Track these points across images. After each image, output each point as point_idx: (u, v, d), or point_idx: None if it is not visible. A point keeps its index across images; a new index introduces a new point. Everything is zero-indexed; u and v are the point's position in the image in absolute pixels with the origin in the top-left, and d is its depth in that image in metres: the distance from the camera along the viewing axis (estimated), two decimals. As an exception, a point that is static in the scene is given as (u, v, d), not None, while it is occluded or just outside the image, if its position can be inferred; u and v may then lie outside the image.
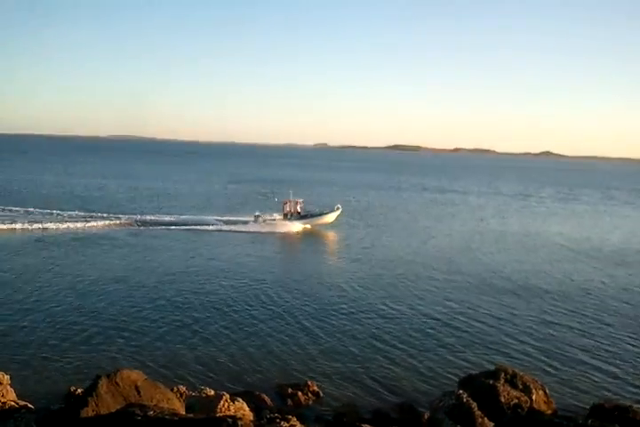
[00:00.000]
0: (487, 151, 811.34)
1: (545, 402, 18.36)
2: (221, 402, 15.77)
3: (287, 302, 30.23)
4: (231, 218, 59.72)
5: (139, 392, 13.07)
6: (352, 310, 29.16)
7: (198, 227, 55.17)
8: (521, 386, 18.38)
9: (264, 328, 25.84)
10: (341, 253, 45.60)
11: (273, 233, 54.25)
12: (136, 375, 13.50)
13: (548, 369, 22.34)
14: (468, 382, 18.66)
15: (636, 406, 17.88)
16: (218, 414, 14.83)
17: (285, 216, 58.42)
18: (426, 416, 16.65)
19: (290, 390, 19.03)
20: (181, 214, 62.19)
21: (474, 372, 19.93)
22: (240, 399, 16.29)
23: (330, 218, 59.35)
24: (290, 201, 59.54)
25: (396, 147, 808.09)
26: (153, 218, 59.44)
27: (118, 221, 56.46)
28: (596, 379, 21.59)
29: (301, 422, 15.32)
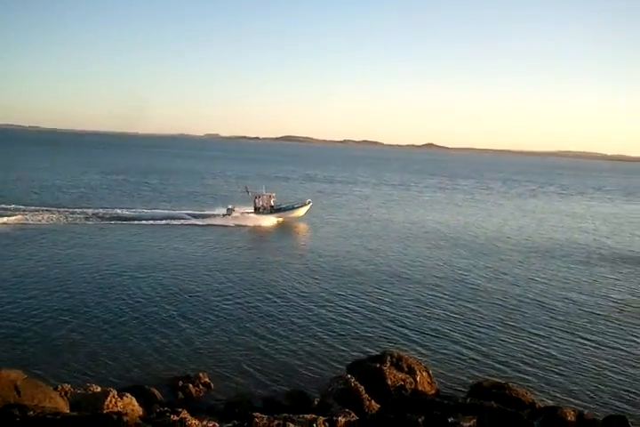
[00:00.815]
0: (374, 143, 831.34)
1: (429, 383, 19.25)
2: (108, 398, 15.35)
3: (182, 294, 29.75)
4: (203, 212, 58.99)
5: (18, 392, 12.49)
6: (241, 301, 29.12)
7: (172, 222, 53.88)
8: (406, 368, 19.16)
9: (153, 322, 25.30)
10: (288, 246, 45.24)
11: (246, 226, 54.22)
12: (15, 375, 12.89)
13: (431, 351, 23.31)
14: (356, 367, 19.22)
15: (510, 382, 19.17)
16: (105, 411, 14.45)
17: (257, 210, 58.40)
18: (316, 402, 17.02)
19: (181, 383, 18.81)
20: (149, 209, 60.42)
21: (362, 357, 20.53)
22: (129, 395, 15.92)
23: (301, 212, 60.17)
24: (262, 195, 59.76)
25: (287, 138, 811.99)
26: (118, 212, 57.27)
27: (82, 216, 53.77)
28: (476, 360, 22.74)
29: (192, 415, 15.23)
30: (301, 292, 31.41)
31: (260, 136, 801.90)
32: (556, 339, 25.36)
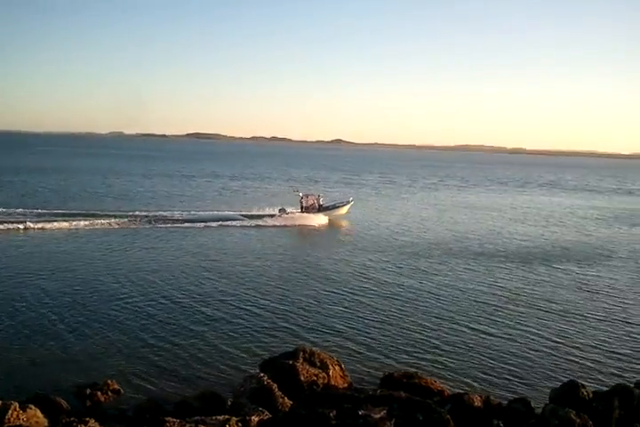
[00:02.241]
0: (284, 139, 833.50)
1: (341, 377, 19.44)
2: (10, 412, 14.61)
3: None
4: (256, 213, 59.77)
5: None
6: (134, 303, 28.50)
7: (228, 223, 54.85)
8: (319, 364, 19.26)
9: (56, 328, 24.31)
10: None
11: (302, 226, 55.84)
12: None
13: (343, 346, 23.58)
14: (268, 365, 19.15)
15: (420, 372, 19.71)
16: (6, 426, 13.80)
17: (304, 209, 59.87)
18: (229, 402, 16.85)
19: (88, 391, 18.08)
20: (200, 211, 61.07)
21: (275, 354, 20.50)
22: (32, 406, 15.22)
23: (344, 210, 62.21)
24: (310, 195, 62.47)
25: (195, 135, 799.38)
26: (173, 215, 57.85)
27: (134, 219, 53.96)
28: (387, 351, 23.19)
29: (101, 423, 14.76)
30: (206, 294, 31.04)
31: (168, 133, 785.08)
32: (459, 329, 26.16)
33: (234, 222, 55.28)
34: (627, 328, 27.06)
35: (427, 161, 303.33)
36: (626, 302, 31.66)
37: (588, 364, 22.60)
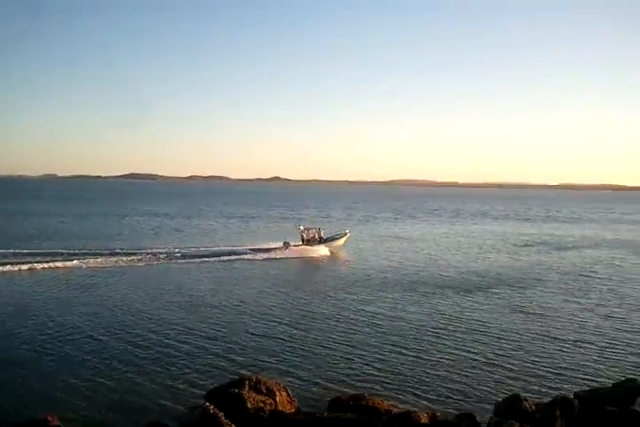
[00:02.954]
0: (221, 178, 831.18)
1: (289, 402, 19.28)
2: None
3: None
4: (262, 246, 61.92)
5: None
6: (82, 336, 27.80)
7: (236, 257, 56.47)
8: (265, 391, 19.06)
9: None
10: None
11: (307, 258, 58.43)
12: None
13: (289, 372, 23.50)
14: (214, 394, 18.82)
15: (367, 393, 19.75)
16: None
17: (306, 242, 62.84)
18: (174, 433, 16.46)
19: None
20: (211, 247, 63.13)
21: (220, 384, 20.19)
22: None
23: (342, 241, 66.00)
24: (310, 228, 66.13)
25: (132, 175, 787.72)
26: (183, 251, 58.67)
27: (148, 257, 54.58)
28: (334, 375, 23.22)
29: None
30: (149, 322, 30.49)
31: (103, 175, 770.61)
32: (402, 353, 26.41)
33: (245, 256, 57.40)
34: (560, 344, 27.92)
35: (360, 196, 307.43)
36: (557, 321, 32.66)
37: (529, 378, 23.17)
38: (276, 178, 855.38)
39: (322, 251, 61.33)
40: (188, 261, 53.95)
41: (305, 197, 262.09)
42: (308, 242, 63.07)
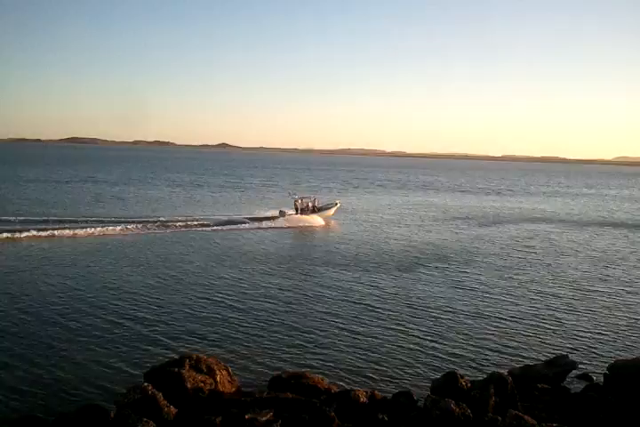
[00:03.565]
0: (167, 144, 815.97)
1: (229, 381, 19.21)
2: None
3: None
4: (258, 215, 63.44)
5: None
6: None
7: (233, 226, 57.55)
8: (205, 369, 18.93)
9: None
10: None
11: (303, 227, 60.06)
12: None
13: (231, 350, 23.39)
14: (153, 374, 18.57)
15: (307, 371, 19.88)
16: None
17: (300, 211, 63.75)
18: (112, 414, 16.21)
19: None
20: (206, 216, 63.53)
21: (159, 363, 19.95)
22: None
23: (332, 211, 67.53)
24: (304, 197, 67.25)
25: (73, 139, 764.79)
26: (179, 220, 59.11)
27: (146, 225, 55.33)
28: (275, 354, 23.22)
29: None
30: (89, 299, 29.85)
31: (43, 138, 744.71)
32: (341, 330, 26.58)
33: (242, 225, 58.53)
34: (496, 321, 28.53)
35: (310, 164, 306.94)
36: (492, 297, 33.28)
37: (465, 356, 23.69)
38: (224, 145, 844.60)
39: (318, 220, 62.76)
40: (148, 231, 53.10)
41: (252, 165, 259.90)
42: (302, 211, 63.92)
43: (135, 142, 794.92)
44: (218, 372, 19.06)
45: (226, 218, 61.91)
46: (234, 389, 18.99)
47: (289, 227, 59.60)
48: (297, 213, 63.50)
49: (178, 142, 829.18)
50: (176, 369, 18.55)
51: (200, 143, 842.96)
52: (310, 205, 65.46)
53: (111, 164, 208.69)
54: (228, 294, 31.98)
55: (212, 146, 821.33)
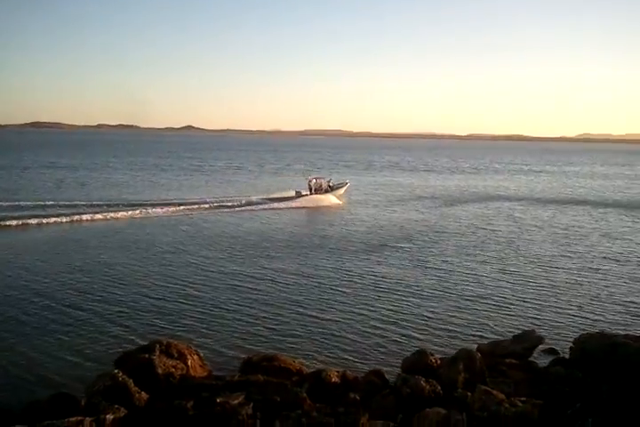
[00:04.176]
0: (131, 127, 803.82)
1: (201, 366, 19.16)
2: None
3: None
4: (274, 196, 66.25)
5: None
6: None
7: (252, 207, 59.98)
8: (176, 355, 18.83)
9: None
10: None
11: (321, 207, 62.32)
12: None
13: (201, 334, 23.32)
14: (124, 361, 18.43)
15: (279, 353, 19.93)
16: None
17: (314, 191, 66.26)
18: (83, 402, 16.07)
19: None
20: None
21: (130, 349, 19.79)
22: None
23: (342, 191, 70.29)
24: (318, 178, 70.56)
25: (35, 124, 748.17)
26: (196, 202, 60.90)
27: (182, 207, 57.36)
28: (246, 336, 23.23)
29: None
30: (61, 283, 29.50)
31: (3, 123, 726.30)
32: (311, 311, 26.58)
33: (260, 206, 60.81)
34: (463, 299, 28.87)
35: (276, 146, 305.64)
36: (459, 275, 33.66)
37: (435, 334, 23.98)
38: (189, 127, 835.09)
39: (332, 200, 65.42)
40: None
41: (218, 147, 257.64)
42: (316, 191, 66.56)
43: (99, 126, 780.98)
44: (189, 357, 18.99)
45: (244, 200, 63.75)
46: (205, 373, 18.95)
47: (305, 207, 61.73)
48: (311, 193, 65.87)
49: (142, 125, 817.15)
50: (146, 355, 18.41)
51: (164, 126, 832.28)
52: (324, 184, 68.27)
53: (97, 148, 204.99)
54: (195, 280, 31.67)
55: (177, 129, 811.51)
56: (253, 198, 64.77)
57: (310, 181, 67.77)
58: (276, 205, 61.51)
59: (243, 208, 59.23)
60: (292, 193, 66.16)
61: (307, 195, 65.34)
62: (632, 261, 38.05)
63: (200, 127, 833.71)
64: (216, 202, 61.74)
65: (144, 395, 16.18)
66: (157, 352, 18.68)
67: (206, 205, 59.54)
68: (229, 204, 61.16)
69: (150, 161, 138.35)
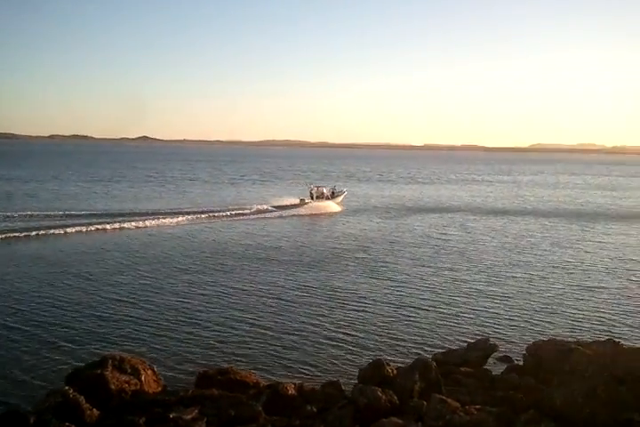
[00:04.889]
0: (85, 137, 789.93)
1: (154, 381, 18.80)
2: None
3: None
4: (281, 204, 70.04)
5: None
6: None
7: (266, 215, 63.80)
8: (130, 370, 18.45)
9: None
10: None
11: (324, 213, 66.51)
12: None
13: (155, 349, 22.96)
14: (75, 377, 17.97)
15: (235, 366, 19.70)
16: None
17: (316, 198, 70.81)
18: (32, 420, 15.60)
19: None
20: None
21: (81, 365, 19.32)
22: None
23: (340, 198, 74.89)
24: (319, 187, 74.61)
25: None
26: (207, 211, 63.62)
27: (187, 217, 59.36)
28: (201, 351, 22.94)
29: None
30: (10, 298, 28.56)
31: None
32: (264, 324, 26.42)
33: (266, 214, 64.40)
34: (417, 310, 28.89)
35: (233, 156, 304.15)
36: (413, 286, 33.75)
37: (390, 343, 24.14)
38: (144, 137, 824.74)
39: (333, 206, 69.86)
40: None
41: (173, 158, 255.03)
42: (318, 198, 70.95)
43: (52, 137, 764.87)
44: (143, 372, 18.61)
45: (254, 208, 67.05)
46: (159, 388, 18.62)
47: (310, 214, 65.36)
48: (312, 200, 70.28)
49: (96, 136, 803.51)
50: (98, 371, 18.00)
51: (120, 136, 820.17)
52: (326, 192, 72.76)
53: (51, 160, 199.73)
54: (152, 294, 31.21)
55: (133, 139, 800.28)
56: (264, 206, 68.26)
57: (312, 190, 72.28)
58: (284, 212, 65.35)
59: (252, 216, 62.82)
60: (297, 201, 70.73)
61: (309, 202, 69.54)
62: (580, 270, 38.94)
63: (155, 137, 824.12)
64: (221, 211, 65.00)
65: (95, 412, 15.81)
66: (110, 368, 18.25)
67: (212, 214, 62.46)
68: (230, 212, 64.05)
69: (102, 174, 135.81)
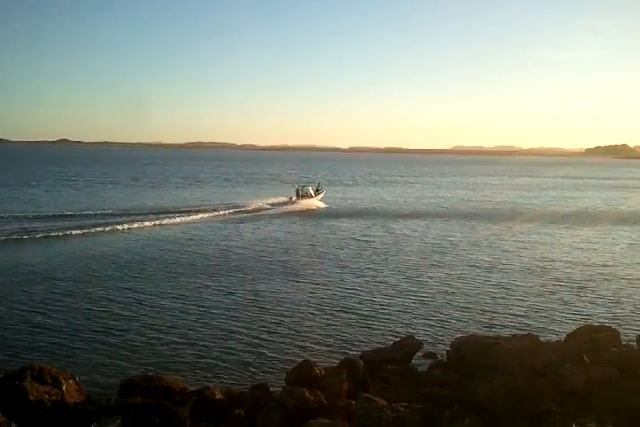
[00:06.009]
0: (1, 140, 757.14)
1: (77, 390, 18.19)
2: None
3: None
4: (274, 201, 78.09)
5: None
6: None
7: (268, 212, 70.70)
8: (50, 380, 17.83)
9: None
10: None
11: (311, 209, 74.55)
12: None
13: (80, 357, 22.38)
14: (-10, 389, 17.25)
15: (160, 372, 19.38)
16: None
17: (300, 197, 78.30)
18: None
19: None
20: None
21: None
22: None
23: (321, 196, 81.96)
24: (304, 185, 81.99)
25: None
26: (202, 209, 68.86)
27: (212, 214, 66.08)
28: (126, 358, 22.43)
29: None
30: None
31: None
32: (194, 329, 26.12)
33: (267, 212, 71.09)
34: (343, 312, 28.94)
35: (156, 159, 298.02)
36: (337, 289, 33.77)
37: (317, 345, 24.16)
38: (64, 140, 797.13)
39: (319, 203, 78.25)
40: None
41: (95, 162, 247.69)
42: (303, 197, 78.33)
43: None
44: (64, 382, 18.00)
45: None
46: (82, 398, 18.04)
47: (300, 210, 72.79)
48: (298, 199, 77.38)
49: (12, 138, 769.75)
50: (16, 382, 17.32)
51: (38, 139, 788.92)
52: (310, 191, 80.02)
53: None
54: (76, 301, 30.23)
55: (52, 142, 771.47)
56: (259, 204, 75.43)
57: (298, 189, 79.76)
58: (278, 209, 72.89)
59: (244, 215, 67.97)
60: (286, 199, 77.98)
61: (297, 200, 76.82)
62: (497, 268, 40.19)
63: (76, 140, 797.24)
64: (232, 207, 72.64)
65: (13, 424, 15.20)
66: (29, 378, 17.59)
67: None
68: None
69: (13, 177, 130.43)
